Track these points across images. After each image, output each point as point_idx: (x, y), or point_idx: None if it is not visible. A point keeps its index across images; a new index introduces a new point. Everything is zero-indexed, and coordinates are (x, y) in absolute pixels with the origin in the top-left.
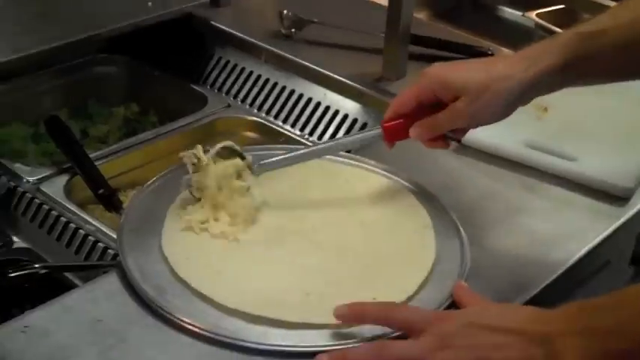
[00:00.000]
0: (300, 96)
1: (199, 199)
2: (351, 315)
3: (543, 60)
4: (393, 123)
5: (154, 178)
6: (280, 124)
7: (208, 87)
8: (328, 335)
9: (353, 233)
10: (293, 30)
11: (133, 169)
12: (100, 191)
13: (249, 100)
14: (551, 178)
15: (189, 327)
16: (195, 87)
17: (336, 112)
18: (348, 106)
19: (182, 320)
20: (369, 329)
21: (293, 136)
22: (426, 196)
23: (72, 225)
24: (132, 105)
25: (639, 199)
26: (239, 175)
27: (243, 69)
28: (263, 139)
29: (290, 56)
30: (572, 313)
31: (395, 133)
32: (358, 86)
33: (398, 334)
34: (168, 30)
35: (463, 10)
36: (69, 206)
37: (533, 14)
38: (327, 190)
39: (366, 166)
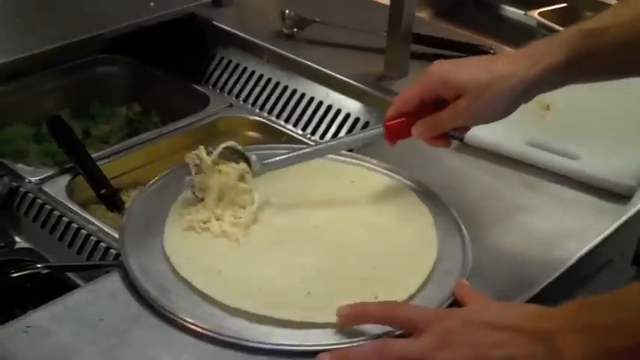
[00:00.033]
0: (302, 95)
1: (202, 200)
2: (354, 315)
3: (546, 58)
4: (395, 122)
5: (156, 178)
6: (282, 123)
7: (210, 87)
8: (331, 334)
9: (355, 232)
10: (295, 29)
11: (135, 169)
12: (102, 191)
13: (251, 100)
14: (552, 177)
15: (192, 327)
16: (197, 87)
17: (338, 112)
18: (350, 106)
19: (185, 320)
20: (371, 328)
21: (295, 135)
22: (427, 194)
23: (74, 225)
24: (134, 105)
25: None
26: (242, 178)
27: (245, 69)
28: (265, 138)
29: (292, 56)
30: (573, 311)
31: (397, 132)
32: (360, 85)
33: (400, 332)
34: (171, 30)
35: (465, 9)
36: (71, 206)
37: (535, 13)
38: (329, 189)
39: (368, 165)
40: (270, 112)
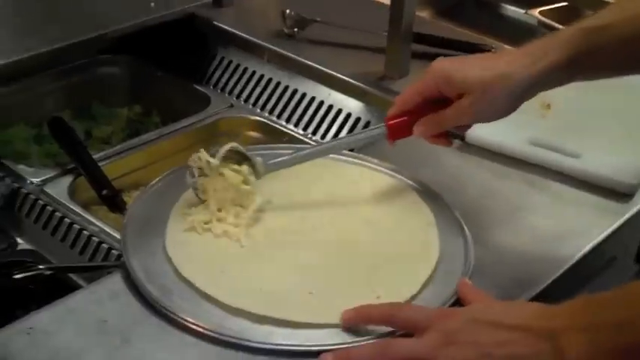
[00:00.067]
0: (303, 95)
1: (204, 201)
2: (357, 318)
3: (548, 56)
4: (396, 120)
5: (157, 179)
6: (283, 123)
7: (211, 87)
8: (333, 334)
9: (357, 232)
10: (295, 29)
11: (137, 170)
12: (104, 192)
13: (252, 100)
14: (554, 175)
15: (194, 327)
16: (198, 87)
17: (339, 111)
18: (351, 105)
19: (186, 320)
20: (374, 328)
21: (296, 135)
22: (429, 194)
23: (76, 226)
24: (135, 106)
25: None
26: (245, 181)
27: (246, 69)
28: (266, 138)
29: (293, 56)
30: (577, 309)
31: (399, 131)
32: (361, 85)
33: (403, 332)
34: (171, 30)
35: (466, 8)
36: (73, 207)
37: (536, 12)
38: (330, 189)
39: (370, 164)
40: (271, 112)
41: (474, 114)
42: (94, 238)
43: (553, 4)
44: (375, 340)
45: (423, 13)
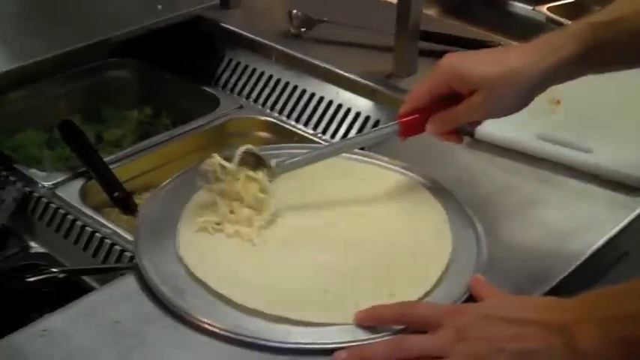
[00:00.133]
0: (312, 95)
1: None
2: (370, 318)
3: (557, 50)
4: (409, 118)
5: (168, 180)
6: (293, 123)
7: (220, 88)
8: (348, 331)
9: (369, 230)
10: (303, 29)
11: (148, 172)
12: (116, 194)
13: (261, 101)
14: (565, 170)
15: (208, 327)
16: (206, 89)
17: (348, 110)
18: (360, 104)
19: (200, 320)
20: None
21: (306, 135)
22: (440, 191)
23: (88, 229)
24: (145, 108)
25: None
26: (263, 190)
27: (254, 70)
28: (276, 138)
29: (300, 55)
30: (588, 302)
31: (411, 128)
32: (370, 84)
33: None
34: (178, 33)
35: (473, 6)
36: (85, 210)
37: (544, 8)
38: (342, 188)
39: (381, 162)
40: (280, 112)
41: (486, 110)
42: (106, 241)
43: (561, 0)
44: (388, 337)
45: (430, 11)
